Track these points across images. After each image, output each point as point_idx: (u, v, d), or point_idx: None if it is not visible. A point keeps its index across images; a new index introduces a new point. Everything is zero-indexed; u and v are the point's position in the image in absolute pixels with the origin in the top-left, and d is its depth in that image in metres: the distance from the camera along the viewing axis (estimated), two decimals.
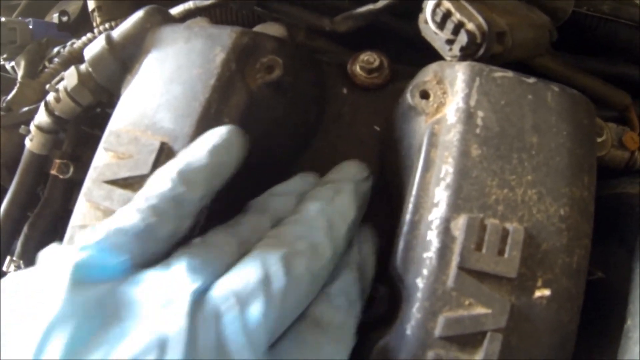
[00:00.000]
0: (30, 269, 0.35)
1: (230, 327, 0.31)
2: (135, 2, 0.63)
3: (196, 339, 0.31)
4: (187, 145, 0.45)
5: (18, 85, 0.65)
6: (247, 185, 0.47)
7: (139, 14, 0.54)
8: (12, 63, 0.71)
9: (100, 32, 0.64)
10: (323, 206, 0.40)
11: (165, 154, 0.45)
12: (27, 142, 0.60)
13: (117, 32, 0.54)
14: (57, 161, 0.61)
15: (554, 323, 0.39)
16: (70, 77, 0.56)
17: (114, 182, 0.46)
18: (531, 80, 0.45)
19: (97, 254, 0.34)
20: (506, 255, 0.38)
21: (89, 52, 0.55)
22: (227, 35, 0.49)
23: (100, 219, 0.46)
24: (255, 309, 0.32)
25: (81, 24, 0.75)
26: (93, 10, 0.67)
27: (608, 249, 0.58)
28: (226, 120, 0.46)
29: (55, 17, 0.74)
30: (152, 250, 0.36)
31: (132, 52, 0.54)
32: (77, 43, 0.66)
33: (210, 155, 0.39)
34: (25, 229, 0.62)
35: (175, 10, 0.60)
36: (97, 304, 0.31)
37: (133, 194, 0.44)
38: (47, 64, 0.67)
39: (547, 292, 0.39)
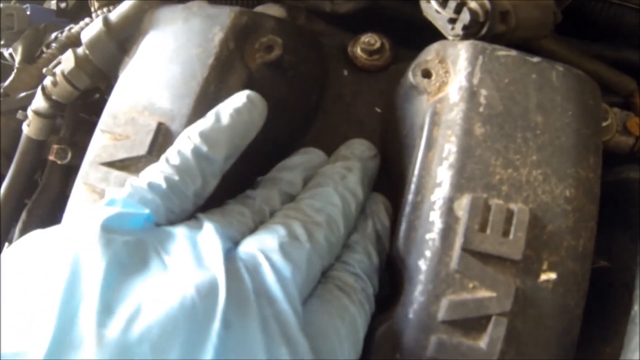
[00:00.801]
0: (64, 222, 0.34)
1: (268, 277, 0.32)
2: None
3: (239, 286, 0.30)
4: (185, 125, 0.43)
5: (15, 70, 0.64)
6: (250, 165, 0.45)
7: None
8: (10, 50, 0.69)
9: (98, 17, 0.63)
10: (336, 184, 0.41)
11: (162, 134, 0.43)
12: (25, 128, 0.59)
13: (115, 14, 0.53)
14: (55, 146, 0.59)
15: (560, 307, 0.37)
16: (67, 61, 0.54)
17: (111, 164, 0.44)
18: (535, 59, 0.43)
19: (124, 208, 0.34)
20: (511, 236, 0.36)
21: (86, 35, 0.53)
22: (225, 14, 0.47)
23: (97, 201, 0.44)
24: (285, 266, 0.32)
25: (80, 10, 0.74)
26: None
27: (612, 237, 0.56)
28: (225, 99, 0.44)
29: (53, 4, 0.73)
30: (178, 208, 0.37)
31: (130, 34, 0.52)
32: (75, 28, 0.64)
33: (232, 116, 0.40)
34: (23, 216, 0.60)
35: None
36: (127, 252, 0.30)
37: (130, 176, 0.43)
38: (44, 49, 0.66)
39: (553, 275, 0.37)
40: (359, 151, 0.46)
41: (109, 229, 0.31)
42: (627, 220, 0.54)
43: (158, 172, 0.37)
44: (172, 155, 0.38)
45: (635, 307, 0.44)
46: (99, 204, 0.35)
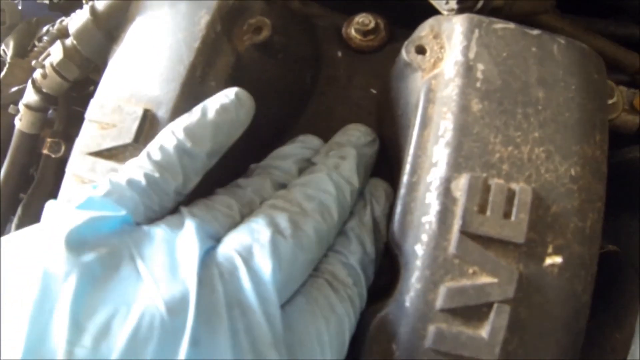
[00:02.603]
0: (31, 228, 0.32)
1: (244, 284, 0.29)
2: None
3: (211, 297, 0.28)
4: (172, 111, 0.41)
5: (7, 65, 0.61)
6: (244, 151, 0.43)
7: None
8: (3, 46, 0.67)
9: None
10: (330, 172, 0.38)
11: (149, 120, 0.41)
12: (17, 122, 0.56)
13: (101, 3, 0.50)
14: (49, 140, 0.57)
15: (566, 294, 0.34)
16: (55, 52, 0.51)
17: (98, 154, 0.42)
18: (535, 32, 0.39)
19: (101, 210, 0.31)
20: (513, 218, 0.33)
21: (74, 25, 0.50)
22: None
23: None
24: (265, 266, 0.30)
25: (72, 3, 0.71)
26: None
27: (620, 220, 0.53)
28: (212, 83, 0.42)
29: None
30: (158, 206, 0.34)
31: (117, 22, 0.49)
32: (66, 20, 0.61)
33: (219, 113, 0.37)
34: (19, 211, 0.58)
35: None
36: (99, 262, 0.28)
37: (117, 165, 0.41)
38: (36, 43, 0.64)
39: (558, 259, 0.34)
40: (355, 137, 0.43)
41: (81, 238, 0.29)
42: (636, 203, 0.51)
43: (138, 169, 0.34)
44: (153, 150, 0.35)
45: None
46: (75, 203, 0.32)
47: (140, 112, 0.41)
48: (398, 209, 0.36)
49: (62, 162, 0.59)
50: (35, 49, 0.62)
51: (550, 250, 0.33)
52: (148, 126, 0.41)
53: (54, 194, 0.59)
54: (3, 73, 0.61)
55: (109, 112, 0.43)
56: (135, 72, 0.44)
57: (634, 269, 0.53)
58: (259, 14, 0.44)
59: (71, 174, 0.43)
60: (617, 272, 0.52)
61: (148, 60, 0.44)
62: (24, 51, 0.64)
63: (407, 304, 0.32)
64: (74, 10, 0.67)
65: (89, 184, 0.40)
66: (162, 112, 0.41)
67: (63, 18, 0.63)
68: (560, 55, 0.39)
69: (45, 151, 0.56)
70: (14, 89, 0.59)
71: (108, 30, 0.50)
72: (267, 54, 0.44)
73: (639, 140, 0.56)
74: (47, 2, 0.69)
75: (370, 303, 0.37)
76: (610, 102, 0.50)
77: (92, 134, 0.43)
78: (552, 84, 0.37)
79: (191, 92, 0.41)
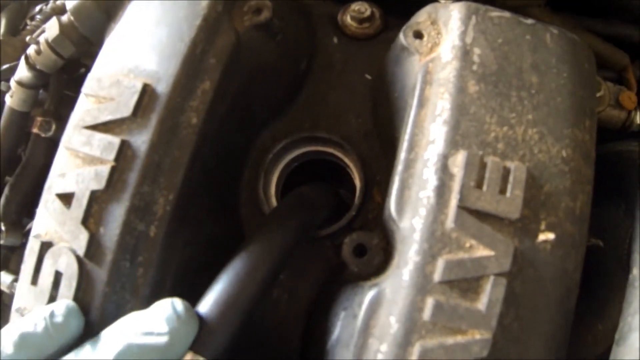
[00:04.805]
0: None
1: None
2: None
3: None
4: (172, 86, 0.40)
5: None
6: (238, 130, 0.42)
7: None
8: None
9: None
10: None
11: (148, 95, 0.40)
12: (7, 99, 0.55)
13: None
14: (39, 119, 0.55)
15: (559, 271, 0.35)
16: (51, 28, 0.51)
17: (94, 127, 0.41)
18: (529, 21, 0.40)
19: None
20: (508, 194, 0.33)
21: (71, 2, 0.50)
22: None
23: (79, 166, 0.41)
24: None
25: None
26: None
27: (605, 213, 0.55)
28: (212, 60, 0.41)
29: None
30: None
31: (116, 1, 0.49)
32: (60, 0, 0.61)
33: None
34: (6, 191, 0.56)
35: None
36: None
37: (113, 138, 0.40)
38: (29, 21, 0.62)
39: (551, 235, 0.35)
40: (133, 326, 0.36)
41: None
42: (622, 195, 0.53)
43: None
44: None
45: (634, 271, 0.42)
46: None
47: (139, 86, 0.40)
48: (396, 185, 0.36)
49: (52, 142, 0.58)
50: (28, 27, 0.60)
51: (543, 227, 0.34)
52: (147, 100, 0.40)
53: (43, 174, 0.58)
54: None
55: (106, 86, 0.42)
56: (134, 47, 0.43)
57: (617, 260, 0.54)
58: None
59: (65, 149, 0.42)
60: (600, 264, 0.53)
61: (148, 36, 0.43)
62: (16, 30, 0.62)
63: (406, 277, 0.33)
64: None
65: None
66: (161, 87, 0.40)
67: None
68: (553, 44, 0.40)
69: (35, 130, 0.55)
70: (5, 66, 0.58)
71: (106, 7, 0.49)
72: (266, 35, 0.44)
73: (623, 136, 0.58)
74: None
75: (363, 280, 0.38)
76: (597, 94, 0.51)
77: (88, 107, 0.42)
78: (545, 70, 0.38)
79: (191, 68, 0.41)
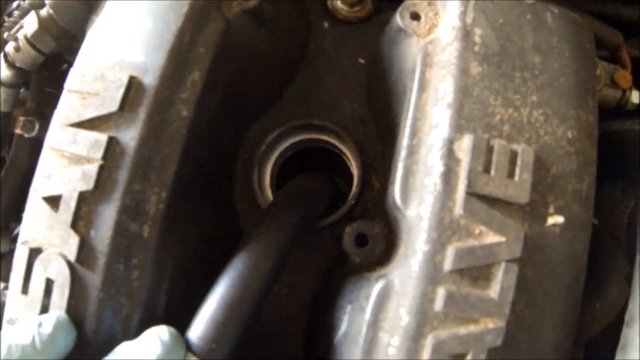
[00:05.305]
0: None
1: None
2: None
3: None
4: (160, 77, 0.38)
5: None
6: (235, 121, 0.40)
7: None
8: None
9: None
10: None
11: (134, 88, 0.38)
12: None
13: None
14: (22, 119, 0.53)
15: (568, 254, 0.33)
16: (30, 23, 0.48)
17: (80, 125, 0.38)
18: (529, 0, 0.39)
19: None
20: (516, 178, 0.32)
21: None
22: None
23: (66, 166, 0.38)
24: None
25: None
26: None
27: (602, 191, 0.54)
28: (201, 49, 0.39)
29: None
30: None
31: None
32: None
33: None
34: None
35: None
36: None
37: (100, 135, 0.38)
38: (6, 18, 0.59)
39: (560, 219, 0.33)
40: None
41: None
42: (620, 174, 0.52)
43: None
44: None
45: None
46: None
47: (125, 79, 0.38)
48: (399, 172, 0.34)
49: (35, 142, 0.55)
50: (6, 23, 0.57)
51: (552, 210, 0.33)
52: (134, 94, 0.38)
53: (28, 175, 0.55)
54: None
55: (90, 81, 0.40)
56: (118, 39, 0.41)
57: (614, 240, 0.53)
58: None
59: (49, 149, 0.40)
60: (597, 244, 0.53)
61: (132, 27, 0.41)
62: None
63: (415, 267, 0.31)
64: None
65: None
66: (148, 79, 0.38)
67: None
68: (554, 24, 0.38)
69: (18, 130, 0.52)
70: None
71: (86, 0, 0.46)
72: (256, 21, 0.42)
73: (617, 115, 0.58)
74: None
75: (367, 272, 0.36)
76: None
77: (72, 104, 0.40)
78: (547, 50, 0.37)
79: (179, 59, 0.38)
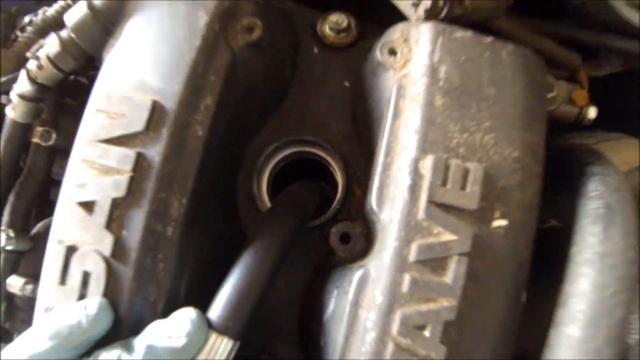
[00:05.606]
0: None
1: None
2: None
3: None
4: (178, 102, 0.51)
5: None
6: (237, 136, 0.53)
7: None
8: None
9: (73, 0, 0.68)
10: None
11: (157, 111, 0.51)
12: (9, 112, 0.64)
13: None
14: (39, 129, 0.65)
15: (511, 250, 0.47)
16: (52, 45, 0.60)
17: (109, 141, 0.51)
18: (488, 39, 0.53)
19: None
20: (468, 190, 0.46)
21: (71, 19, 0.59)
22: None
23: (97, 176, 0.51)
24: None
25: None
26: None
27: (560, 199, 0.68)
28: (212, 78, 0.52)
29: None
30: None
31: (114, 17, 0.58)
32: (50, 11, 0.69)
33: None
34: (11, 199, 0.65)
35: None
36: None
37: (128, 150, 0.50)
38: (19, 33, 0.71)
39: (504, 222, 0.47)
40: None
41: None
42: (571, 182, 0.66)
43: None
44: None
45: (574, 248, 0.55)
46: None
47: (149, 103, 0.50)
48: (375, 184, 0.48)
49: (51, 150, 0.67)
50: (20, 39, 0.69)
51: (497, 215, 0.47)
52: (157, 116, 0.50)
53: (44, 182, 0.67)
54: None
55: (116, 102, 0.52)
56: (138, 65, 0.53)
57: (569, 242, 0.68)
58: (251, 14, 0.55)
59: (80, 160, 0.52)
60: (557, 247, 0.67)
61: (150, 54, 0.53)
62: (7, 41, 0.71)
63: (387, 259, 0.45)
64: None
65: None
66: (168, 103, 0.51)
67: (46, 8, 0.70)
68: (508, 59, 0.52)
69: (35, 139, 0.64)
70: (4, 78, 0.67)
71: (104, 25, 0.58)
72: (257, 51, 0.55)
73: (577, 128, 0.72)
74: None
75: (350, 262, 0.50)
76: (550, 95, 0.64)
77: (100, 122, 0.52)
78: (501, 83, 0.51)
79: (194, 86, 0.51)
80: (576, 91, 0.67)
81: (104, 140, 0.51)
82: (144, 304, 0.49)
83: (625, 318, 0.47)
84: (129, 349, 0.46)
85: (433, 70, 0.49)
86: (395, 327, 0.44)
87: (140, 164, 0.50)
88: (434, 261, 0.44)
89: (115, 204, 0.49)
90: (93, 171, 0.51)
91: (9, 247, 0.64)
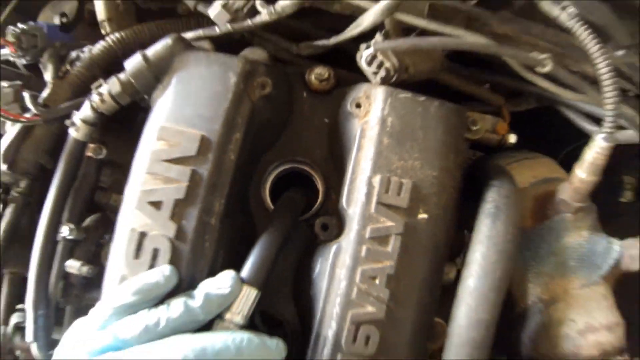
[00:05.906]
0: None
1: None
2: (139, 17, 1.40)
3: None
4: (217, 136, 1.21)
5: (50, 86, 1.34)
6: (250, 169, 1.27)
7: (167, 41, 1.28)
8: (23, 61, 1.41)
9: (113, 41, 1.38)
10: None
11: (204, 142, 1.21)
12: (73, 133, 1.30)
13: (151, 53, 1.28)
14: (92, 145, 1.34)
15: (431, 234, 1.20)
16: (113, 85, 1.28)
17: (170, 160, 1.21)
18: (422, 98, 1.25)
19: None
20: (402, 195, 1.19)
21: (130, 66, 1.28)
22: (235, 63, 1.25)
23: (161, 184, 1.21)
24: None
25: (76, 24, 1.48)
26: (103, 21, 1.41)
27: (474, 208, 1.43)
28: (239, 120, 1.23)
29: (55, 18, 1.46)
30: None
31: (163, 68, 1.27)
32: (94, 49, 1.37)
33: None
34: (70, 200, 1.33)
35: (187, 35, 1.35)
36: None
37: (185, 168, 1.21)
38: (68, 66, 1.38)
39: (425, 215, 1.20)
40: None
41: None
42: (479, 192, 1.40)
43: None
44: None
45: (473, 235, 1.29)
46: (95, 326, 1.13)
47: (198, 136, 1.21)
48: (345, 191, 1.22)
49: (100, 162, 1.37)
50: (71, 72, 1.37)
51: (421, 211, 1.20)
52: (204, 147, 1.21)
53: (95, 187, 1.39)
54: (48, 93, 1.36)
55: (172, 135, 1.22)
56: (186, 109, 1.24)
57: None
58: (263, 75, 1.27)
59: (145, 174, 1.22)
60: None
61: (195, 102, 1.24)
62: (56, 72, 1.39)
63: (352, 237, 1.17)
64: (79, 31, 1.45)
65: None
66: (212, 137, 1.21)
67: (90, 46, 1.39)
68: (434, 112, 1.25)
69: (89, 154, 1.34)
70: (63, 105, 1.35)
71: (155, 73, 1.28)
72: (268, 101, 1.27)
73: (507, 149, 1.47)
74: (58, 23, 1.46)
75: (328, 242, 1.24)
76: (475, 128, 1.37)
77: (161, 148, 1.22)
78: (428, 128, 1.24)
79: (228, 126, 1.22)
80: (499, 124, 1.42)
81: (166, 160, 1.22)
82: (196, 271, 1.20)
83: (504, 276, 1.22)
84: (191, 296, 1.17)
85: (383, 120, 1.22)
86: (357, 278, 1.16)
87: (193, 177, 1.20)
88: (380, 238, 1.17)
89: (177, 203, 1.19)
90: (156, 181, 1.22)
91: (70, 237, 1.34)
